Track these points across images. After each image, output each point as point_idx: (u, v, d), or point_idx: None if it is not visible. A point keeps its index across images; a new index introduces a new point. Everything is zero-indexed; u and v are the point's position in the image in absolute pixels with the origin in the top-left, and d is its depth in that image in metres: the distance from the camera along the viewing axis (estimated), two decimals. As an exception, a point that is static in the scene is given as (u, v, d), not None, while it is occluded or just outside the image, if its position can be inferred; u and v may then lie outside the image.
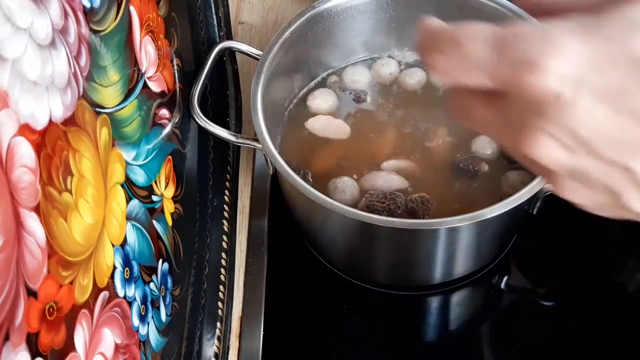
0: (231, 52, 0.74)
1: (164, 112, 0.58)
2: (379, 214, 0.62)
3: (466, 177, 0.67)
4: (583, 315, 0.67)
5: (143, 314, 0.50)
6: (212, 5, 0.70)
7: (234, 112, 0.76)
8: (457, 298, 0.69)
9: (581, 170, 0.31)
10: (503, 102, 0.31)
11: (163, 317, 0.54)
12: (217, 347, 0.63)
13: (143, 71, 0.53)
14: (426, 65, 0.35)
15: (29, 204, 0.35)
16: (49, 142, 0.37)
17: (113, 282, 0.45)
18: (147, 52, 0.54)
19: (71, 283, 0.39)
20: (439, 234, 0.59)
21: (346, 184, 0.67)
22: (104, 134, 0.45)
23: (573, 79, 0.29)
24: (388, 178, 0.67)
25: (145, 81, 0.53)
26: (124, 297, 0.47)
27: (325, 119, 0.73)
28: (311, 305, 0.69)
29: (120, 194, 0.47)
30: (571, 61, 0.29)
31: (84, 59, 0.43)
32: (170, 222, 0.57)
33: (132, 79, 0.51)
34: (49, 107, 0.38)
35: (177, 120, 0.61)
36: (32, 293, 0.35)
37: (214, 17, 0.70)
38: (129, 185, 0.49)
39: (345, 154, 0.70)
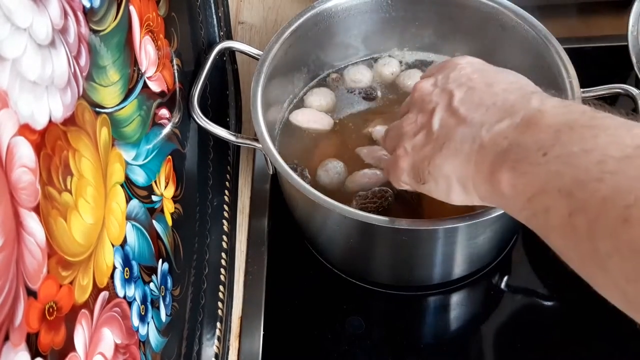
0: (231, 52, 0.74)
1: (164, 112, 0.58)
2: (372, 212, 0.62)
3: None
4: (583, 315, 0.66)
5: (143, 314, 0.50)
6: (212, 5, 0.70)
7: (234, 112, 0.76)
8: (457, 298, 0.69)
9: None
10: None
11: (163, 317, 0.54)
12: (217, 347, 0.63)
13: (143, 71, 0.53)
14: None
15: (28, 204, 0.35)
16: (49, 142, 0.37)
17: (113, 282, 0.45)
18: (147, 52, 0.54)
19: (71, 283, 0.39)
20: (438, 234, 0.59)
21: (335, 167, 0.67)
22: (103, 133, 0.45)
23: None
24: (372, 174, 0.67)
25: (145, 81, 0.53)
26: (124, 297, 0.47)
27: (308, 111, 0.73)
28: (311, 305, 0.69)
29: (120, 194, 0.47)
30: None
31: (83, 59, 0.43)
32: (170, 222, 0.57)
33: (132, 78, 0.51)
34: (48, 107, 0.38)
35: (177, 120, 0.61)
36: (32, 293, 0.35)
37: (214, 17, 0.70)
38: (128, 185, 0.49)
39: (344, 152, 0.70)
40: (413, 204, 0.65)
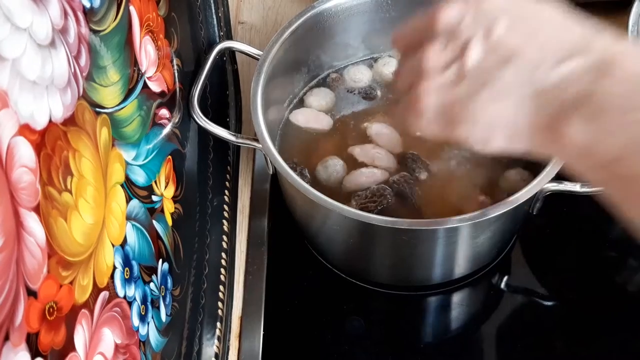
0: (231, 52, 0.74)
1: (164, 112, 0.58)
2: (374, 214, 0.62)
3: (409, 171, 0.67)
4: (583, 315, 0.67)
5: (143, 313, 0.50)
6: (212, 5, 0.70)
7: (234, 112, 0.76)
8: (457, 298, 0.69)
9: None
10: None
11: (163, 317, 0.54)
12: (217, 347, 0.64)
13: (143, 71, 0.53)
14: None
15: (28, 204, 0.35)
16: (49, 142, 0.37)
17: (113, 282, 0.45)
18: (147, 52, 0.54)
19: (71, 283, 0.39)
20: (438, 234, 0.59)
21: (335, 164, 0.68)
22: (103, 134, 0.45)
23: None
24: (369, 173, 0.67)
25: (145, 81, 0.53)
26: (124, 297, 0.47)
27: (308, 111, 0.73)
28: (311, 305, 0.69)
29: (120, 194, 0.47)
30: None
31: (83, 59, 0.43)
32: (170, 222, 0.57)
33: (132, 79, 0.51)
34: (48, 107, 0.38)
35: (177, 120, 0.61)
36: (32, 293, 0.35)
37: (214, 17, 0.70)
38: (129, 185, 0.49)
39: (343, 152, 0.70)
40: (413, 203, 0.65)
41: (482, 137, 0.42)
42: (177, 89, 0.62)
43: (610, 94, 0.36)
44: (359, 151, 0.69)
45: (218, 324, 0.65)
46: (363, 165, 0.68)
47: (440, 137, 0.45)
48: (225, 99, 0.75)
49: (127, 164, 0.49)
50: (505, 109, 0.40)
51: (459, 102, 0.42)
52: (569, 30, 0.39)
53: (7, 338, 0.32)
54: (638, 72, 0.36)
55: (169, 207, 0.57)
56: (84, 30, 0.43)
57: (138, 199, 0.51)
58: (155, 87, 0.56)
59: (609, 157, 0.36)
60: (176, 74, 0.61)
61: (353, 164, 0.69)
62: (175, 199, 0.59)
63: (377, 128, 0.71)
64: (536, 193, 0.58)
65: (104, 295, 0.43)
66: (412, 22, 0.47)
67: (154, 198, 0.54)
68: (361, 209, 0.63)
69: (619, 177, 0.36)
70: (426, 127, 0.45)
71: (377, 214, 0.62)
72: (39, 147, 0.36)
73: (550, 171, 0.58)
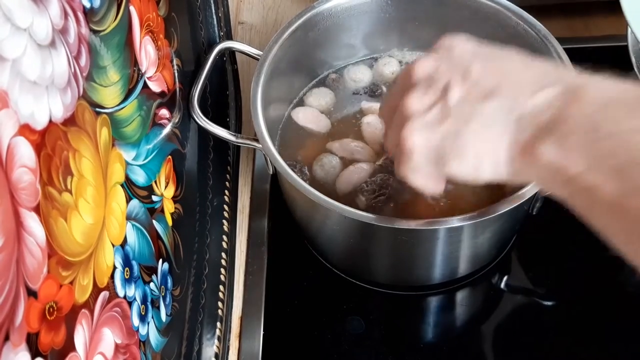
0: (231, 52, 0.74)
1: (164, 112, 0.58)
2: (386, 204, 0.63)
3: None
4: (583, 315, 0.67)
5: (143, 313, 0.50)
6: (212, 5, 0.70)
7: (234, 112, 0.76)
8: (457, 298, 0.69)
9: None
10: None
11: (163, 317, 0.54)
12: (217, 347, 0.64)
13: (143, 71, 0.53)
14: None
15: (29, 204, 0.35)
16: (49, 142, 0.37)
17: (113, 282, 0.45)
18: (147, 52, 0.54)
19: (71, 283, 0.39)
20: (438, 234, 0.59)
21: (330, 161, 0.68)
22: (104, 134, 0.45)
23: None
24: (359, 169, 0.67)
25: (145, 81, 0.53)
26: (124, 297, 0.47)
27: (310, 111, 0.73)
28: (311, 305, 0.69)
29: (120, 194, 0.47)
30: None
31: (83, 59, 0.43)
32: (170, 222, 0.57)
33: (132, 79, 0.51)
34: (48, 107, 0.38)
35: (177, 120, 0.61)
36: (32, 293, 0.35)
37: (214, 17, 0.70)
38: (129, 185, 0.49)
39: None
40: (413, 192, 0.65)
41: (471, 168, 0.46)
42: (177, 89, 0.62)
43: (575, 116, 0.40)
44: (337, 146, 0.70)
45: (218, 324, 0.65)
46: (344, 159, 0.69)
47: (431, 176, 0.49)
48: (225, 99, 0.75)
49: (127, 164, 0.49)
50: (491, 137, 0.44)
51: (450, 136, 0.46)
52: (534, 68, 0.45)
53: (7, 338, 0.32)
54: (599, 97, 0.41)
55: (169, 207, 0.57)
56: (84, 30, 0.43)
57: (138, 199, 0.51)
58: (155, 87, 0.56)
59: (574, 172, 0.40)
60: (176, 74, 0.61)
61: (348, 160, 0.69)
62: (175, 199, 0.59)
63: (370, 119, 0.71)
64: (536, 193, 0.58)
65: (104, 295, 0.43)
66: (391, 90, 0.53)
67: (154, 198, 0.54)
68: (374, 205, 0.63)
69: (582, 190, 0.40)
70: (418, 167, 0.48)
71: (386, 200, 0.63)
72: (39, 147, 0.36)
73: (550, 171, 0.58)
